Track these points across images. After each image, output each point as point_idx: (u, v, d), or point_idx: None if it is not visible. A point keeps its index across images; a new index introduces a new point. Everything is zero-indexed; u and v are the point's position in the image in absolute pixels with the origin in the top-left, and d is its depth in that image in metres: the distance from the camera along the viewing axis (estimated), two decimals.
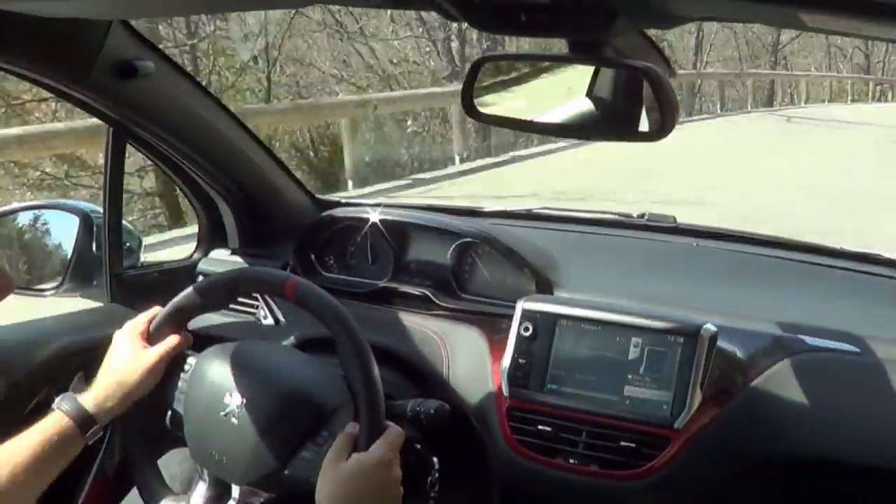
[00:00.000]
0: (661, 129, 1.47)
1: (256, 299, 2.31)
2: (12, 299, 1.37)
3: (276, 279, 1.74)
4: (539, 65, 1.70)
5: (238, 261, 2.52)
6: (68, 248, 2.33)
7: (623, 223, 2.58)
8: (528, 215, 2.69)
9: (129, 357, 1.74)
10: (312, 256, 2.46)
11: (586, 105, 1.64)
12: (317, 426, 1.67)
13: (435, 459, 1.88)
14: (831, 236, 3.71)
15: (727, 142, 17.83)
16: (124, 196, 2.36)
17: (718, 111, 26.16)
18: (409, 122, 19.43)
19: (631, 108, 1.53)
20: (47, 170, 14.18)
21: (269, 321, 2.28)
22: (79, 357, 2.04)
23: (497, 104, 1.66)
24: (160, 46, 2.42)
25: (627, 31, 1.39)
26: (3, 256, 2.41)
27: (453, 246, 2.30)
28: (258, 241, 2.58)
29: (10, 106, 13.32)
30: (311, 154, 18.30)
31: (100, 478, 2.21)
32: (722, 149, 16.40)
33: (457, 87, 15.39)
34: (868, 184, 11.75)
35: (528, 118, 1.69)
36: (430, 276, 2.32)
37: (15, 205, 2.43)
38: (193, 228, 3.08)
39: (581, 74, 1.65)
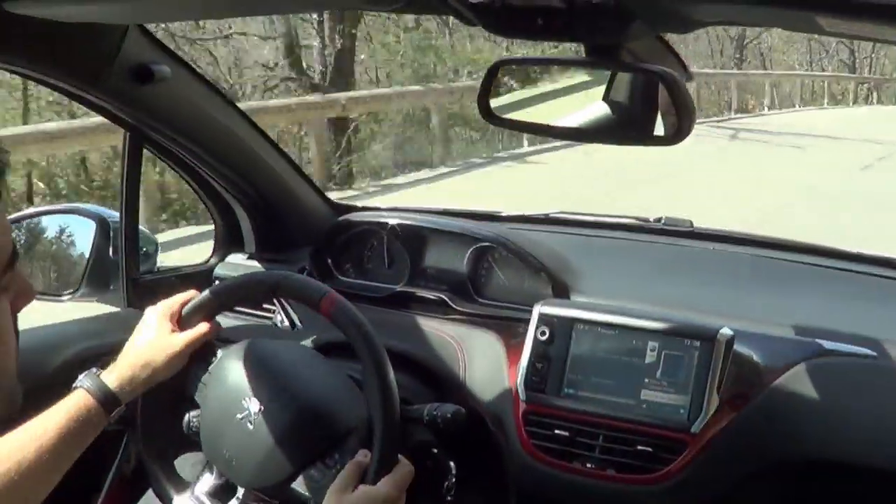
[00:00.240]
0: (677, 134, 1.47)
1: (274, 302, 2.32)
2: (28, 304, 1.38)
3: (316, 292, 1.73)
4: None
5: (255, 265, 2.53)
6: (85, 252, 2.33)
7: (640, 227, 2.57)
8: (545, 219, 2.68)
9: (157, 339, 1.72)
10: (329, 261, 2.46)
11: (603, 109, 1.64)
12: (329, 446, 1.67)
13: (452, 464, 1.88)
14: None
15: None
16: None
17: None
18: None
19: (647, 112, 1.53)
20: None
21: (286, 324, 2.28)
22: (95, 362, 2.05)
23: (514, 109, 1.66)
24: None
25: (643, 35, 1.39)
26: (22, 262, 2.42)
27: (470, 250, 2.29)
28: (275, 245, 2.58)
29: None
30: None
31: (118, 479, 2.22)
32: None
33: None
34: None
35: (545, 122, 1.69)
36: (447, 281, 2.32)
37: (31, 209, 2.44)
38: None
39: (598, 78, 1.65)
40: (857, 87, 37.67)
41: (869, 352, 1.94)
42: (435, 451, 1.84)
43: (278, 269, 2.41)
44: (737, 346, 1.89)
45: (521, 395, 1.97)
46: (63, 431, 1.53)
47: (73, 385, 1.63)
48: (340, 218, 2.48)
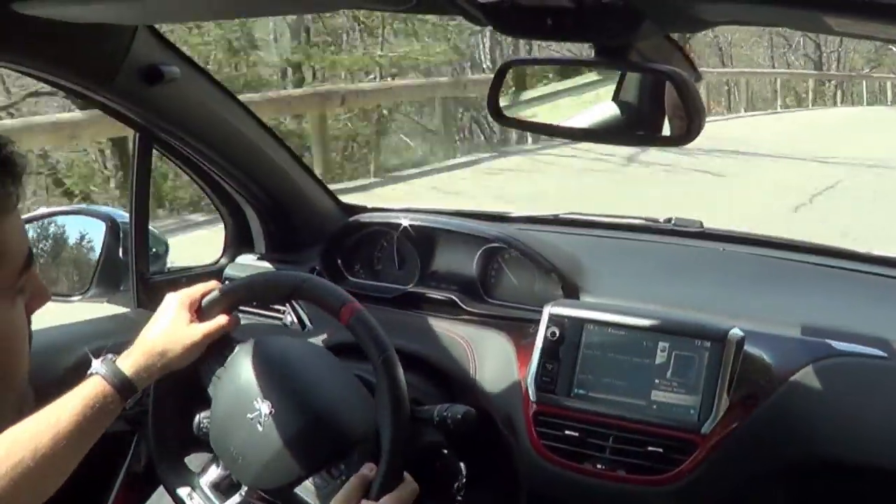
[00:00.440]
0: (686, 134, 1.46)
1: (285, 303, 2.32)
2: None
3: (337, 299, 1.72)
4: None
5: (265, 266, 2.53)
6: (95, 253, 2.34)
7: (650, 228, 2.57)
8: (555, 220, 2.68)
9: (175, 327, 1.70)
10: (339, 261, 2.46)
11: (612, 109, 1.64)
12: (335, 456, 1.68)
13: (462, 465, 1.89)
14: None
15: None
16: None
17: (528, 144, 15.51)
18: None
19: (656, 112, 1.52)
20: None
21: (296, 325, 2.29)
22: None
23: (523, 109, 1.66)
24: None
25: (653, 35, 1.39)
26: (35, 263, 2.43)
27: (480, 251, 2.29)
28: (285, 246, 2.58)
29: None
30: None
31: (127, 479, 2.23)
32: None
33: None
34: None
35: (554, 122, 1.69)
36: (457, 281, 2.32)
37: (42, 210, 2.45)
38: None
39: (607, 78, 1.65)
40: (818, 85, 33.56)
41: (879, 352, 1.93)
42: (445, 451, 1.84)
43: (288, 270, 2.42)
44: (747, 347, 1.89)
45: (532, 396, 1.97)
46: (79, 418, 1.51)
47: (89, 371, 1.61)
48: (350, 218, 2.48)
